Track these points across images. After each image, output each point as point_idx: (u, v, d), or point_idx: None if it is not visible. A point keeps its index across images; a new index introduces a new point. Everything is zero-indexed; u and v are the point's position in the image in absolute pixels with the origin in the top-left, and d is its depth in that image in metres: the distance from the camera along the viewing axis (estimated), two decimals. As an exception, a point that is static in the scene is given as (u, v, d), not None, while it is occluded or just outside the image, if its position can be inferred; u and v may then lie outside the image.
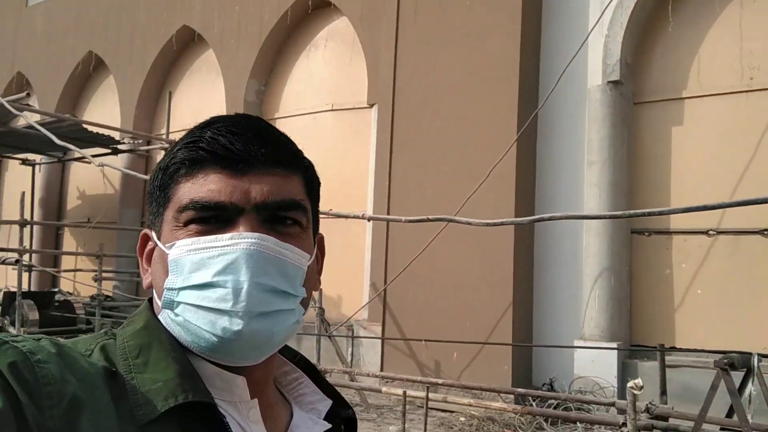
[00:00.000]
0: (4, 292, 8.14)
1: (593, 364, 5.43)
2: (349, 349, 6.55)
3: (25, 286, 9.27)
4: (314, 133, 7.78)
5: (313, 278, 0.78)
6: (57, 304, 8.00)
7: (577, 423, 4.87)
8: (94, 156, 9.47)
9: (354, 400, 5.88)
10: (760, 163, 5.35)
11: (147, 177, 6.39)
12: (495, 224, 4.32)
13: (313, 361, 5.77)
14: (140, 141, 9.24)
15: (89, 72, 10.42)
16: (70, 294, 9.03)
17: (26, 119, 6.54)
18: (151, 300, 0.76)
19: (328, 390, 0.86)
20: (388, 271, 6.37)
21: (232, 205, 0.69)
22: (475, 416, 5.17)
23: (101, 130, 8.47)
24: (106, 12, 9.97)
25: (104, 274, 8.36)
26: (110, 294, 8.86)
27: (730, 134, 5.52)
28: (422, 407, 5.43)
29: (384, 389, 4.83)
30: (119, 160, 9.47)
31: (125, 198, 9.40)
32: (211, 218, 0.70)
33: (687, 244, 5.63)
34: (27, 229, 9.80)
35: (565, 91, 5.95)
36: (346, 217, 4.70)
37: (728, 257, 5.44)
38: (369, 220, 4.23)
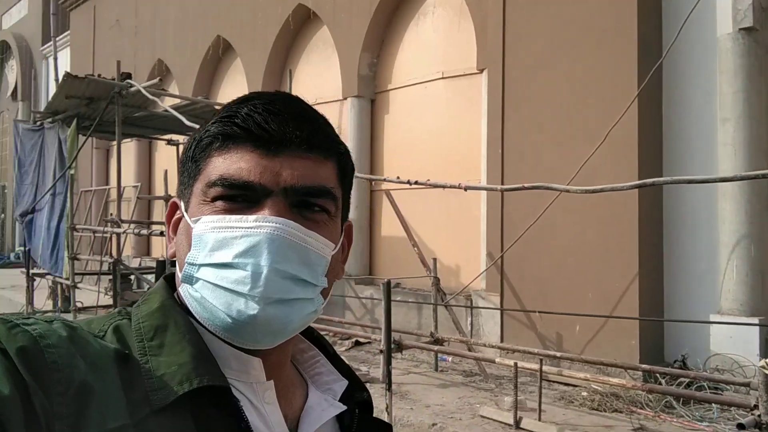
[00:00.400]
0: (157, 261, 9.03)
1: (731, 341, 5.01)
2: (468, 319, 6.55)
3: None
4: (426, 102, 7.73)
5: (336, 268, 0.76)
6: (200, 273, 8.71)
7: (713, 404, 4.54)
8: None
9: (473, 369, 5.91)
10: None
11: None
12: (593, 191, 4.08)
13: (431, 330, 5.88)
14: (266, 119, 9.71)
15: (219, 55, 11.06)
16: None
17: (161, 103, 7.08)
18: (166, 278, 0.76)
19: (344, 370, 0.86)
20: (505, 240, 6.26)
21: (261, 186, 0.68)
22: (598, 392, 4.99)
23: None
24: (230, -4, 10.46)
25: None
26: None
27: None
28: (546, 379, 5.36)
29: (497, 360, 4.80)
30: (249, 138, 10.04)
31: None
32: (239, 197, 0.69)
33: None
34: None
35: (690, 42, 5.41)
36: (443, 187, 4.65)
37: None
38: (465, 189, 4.16)
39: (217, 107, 8.74)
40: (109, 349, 0.64)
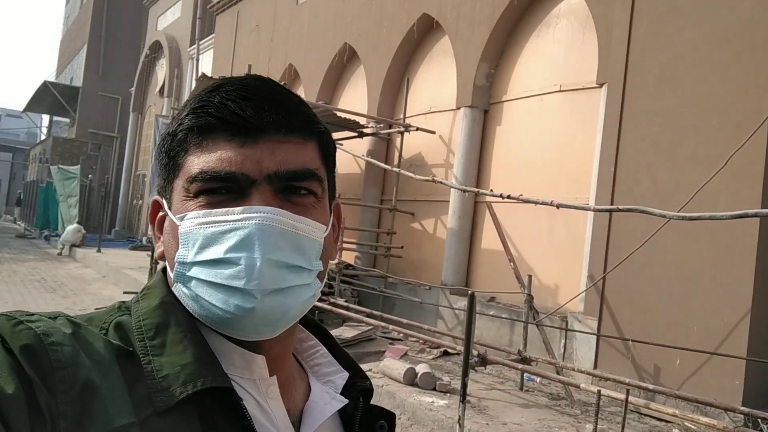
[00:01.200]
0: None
1: None
2: (562, 341, 6.31)
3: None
4: (540, 116, 7.55)
5: (329, 249, 0.75)
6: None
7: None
8: (345, 139, 10.52)
9: (561, 393, 5.68)
10: None
11: (382, 165, 6.90)
12: (690, 218, 3.78)
13: (519, 347, 5.73)
14: (381, 125, 9.96)
15: (344, 62, 11.50)
16: (321, 261, 10.19)
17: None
18: (165, 271, 0.75)
19: (344, 359, 0.85)
20: (608, 263, 5.97)
21: (244, 176, 0.67)
22: (690, 430, 4.62)
23: (349, 116, 9.36)
24: (360, 4, 10.84)
25: (345, 245, 9.26)
26: (351, 263, 9.78)
27: None
28: (636, 411, 5.05)
29: (582, 385, 4.59)
30: (365, 143, 10.35)
31: (368, 178, 10.23)
32: (222, 189, 0.68)
33: None
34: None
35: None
36: (535, 203, 4.51)
37: None
38: (558, 207, 4.02)
39: (336, 113, 9.12)
40: (112, 347, 0.63)
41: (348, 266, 9.41)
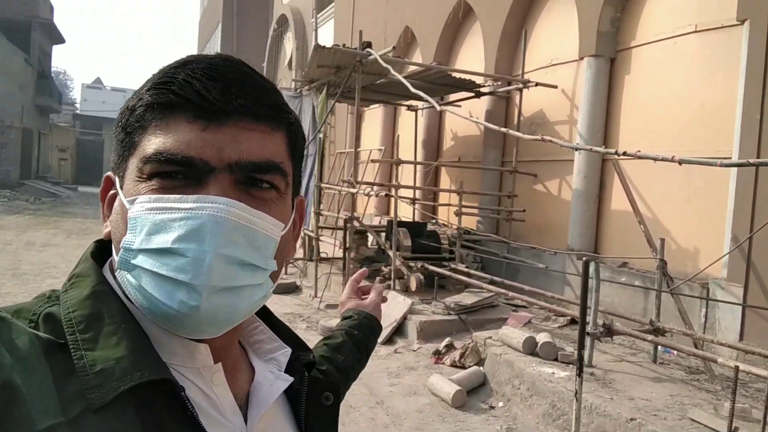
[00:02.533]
0: (388, 221, 9.62)
1: None
2: (702, 311, 5.76)
3: (410, 217, 10.84)
4: (674, 61, 6.79)
5: (287, 247, 0.72)
6: (427, 234, 9.07)
7: None
8: (462, 100, 10.25)
9: (700, 366, 5.22)
10: None
11: (494, 126, 6.64)
12: None
13: (651, 317, 5.31)
14: (499, 83, 9.55)
15: (459, 20, 11.11)
16: (444, 226, 10.13)
17: (392, 70, 7.39)
18: (94, 255, 0.70)
19: (285, 333, 0.82)
20: (755, 222, 5.31)
21: (202, 162, 0.63)
22: None
23: (464, 76, 9.07)
24: (474, -42, 10.37)
25: (465, 210, 9.10)
26: (472, 229, 9.61)
27: None
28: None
29: (720, 360, 4.15)
30: (483, 103, 10.01)
31: (488, 139, 9.91)
32: (178, 173, 0.63)
33: None
34: (410, 167, 11.31)
35: None
36: (654, 159, 4.04)
37: None
38: (680, 163, 3.56)
39: (450, 73, 8.87)
40: (40, 341, 0.59)
41: (467, 231, 9.25)
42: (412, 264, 8.06)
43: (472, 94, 9.80)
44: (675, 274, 5.65)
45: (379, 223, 12.48)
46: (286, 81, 21.76)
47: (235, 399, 0.70)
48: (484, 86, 9.61)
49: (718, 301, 5.54)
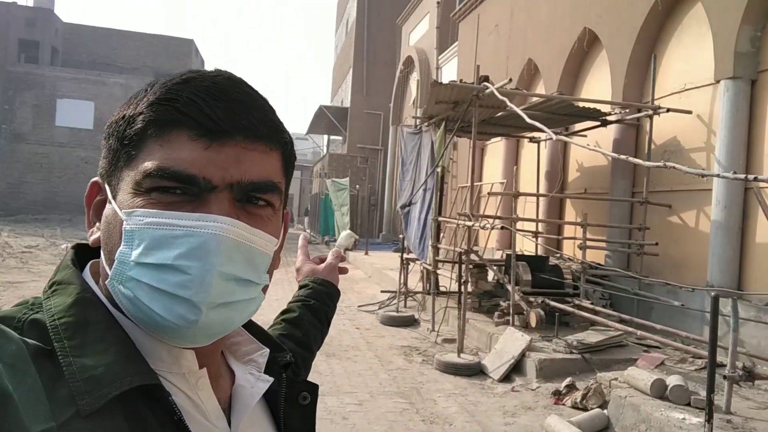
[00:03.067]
0: (507, 254, 9.40)
1: None
2: None
3: (532, 251, 10.52)
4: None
5: (275, 260, 0.73)
6: (549, 268, 8.74)
7: None
8: (587, 129, 9.90)
9: None
10: None
11: (615, 154, 6.34)
12: None
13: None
14: (627, 110, 9.11)
15: (584, 48, 10.80)
16: (569, 260, 9.72)
17: (509, 103, 7.31)
18: (74, 261, 0.70)
19: (262, 335, 0.83)
20: None
21: (205, 181, 0.64)
22: None
23: (589, 104, 8.76)
24: (599, -14, 10.10)
25: (591, 243, 8.67)
26: (598, 264, 9.12)
27: None
28: None
29: None
30: (610, 132, 9.58)
31: (616, 169, 9.45)
32: (178, 189, 0.64)
33: None
34: (533, 200, 11.03)
35: None
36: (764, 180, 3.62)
37: None
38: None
39: (574, 102, 8.62)
40: (28, 347, 0.59)
41: (593, 266, 8.79)
42: (532, 299, 7.79)
43: (598, 123, 9.42)
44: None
45: (501, 257, 12.23)
46: (410, 120, 22.28)
47: (219, 403, 0.72)
48: (611, 114, 9.22)
49: None
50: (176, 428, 0.63)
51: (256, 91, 0.70)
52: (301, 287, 1.30)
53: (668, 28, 8.75)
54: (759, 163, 6.91)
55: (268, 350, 0.80)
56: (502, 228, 8.07)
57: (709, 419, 3.47)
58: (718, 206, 7.18)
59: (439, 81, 8.43)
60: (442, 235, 9.96)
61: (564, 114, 9.09)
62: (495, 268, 8.75)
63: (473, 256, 8.49)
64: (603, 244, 9.26)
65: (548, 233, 10.80)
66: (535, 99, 8.99)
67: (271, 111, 0.70)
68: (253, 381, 0.76)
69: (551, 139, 11.05)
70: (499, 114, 9.28)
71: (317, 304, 1.24)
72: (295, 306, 1.23)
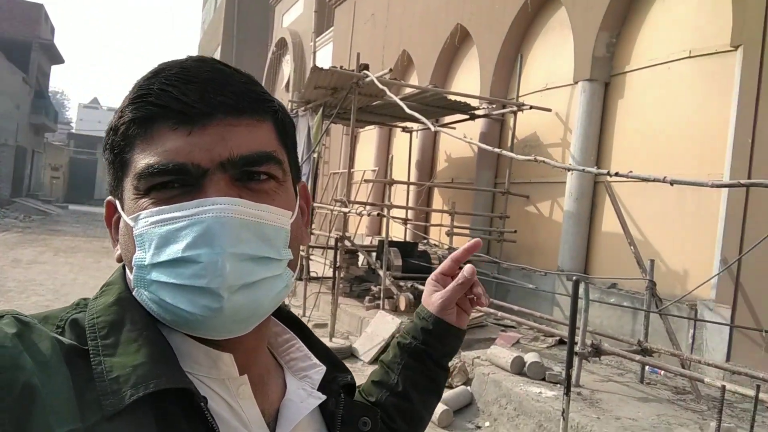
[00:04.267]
0: (379, 240, 9.59)
1: None
2: (690, 332, 5.73)
3: (401, 237, 10.81)
4: (668, 85, 6.87)
5: (300, 235, 0.71)
6: (418, 254, 9.04)
7: None
8: (456, 122, 10.31)
9: (687, 387, 5.17)
10: None
11: (488, 147, 6.72)
12: None
13: (639, 338, 5.27)
14: (494, 106, 9.62)
15: (456, 44, 11.24)
16: (435, 246, 10.10)
17: (388, 92, 7.45)
18: (125, 266, 0.70)
19: (322, 353, 0.81)
20: (745, 245, 5.31)
21: (194, 167, 0.62)
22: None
23: (460, 98, 9.14)
24: (472, -16, 10.53)
25: (456, 230, 9.07)
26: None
27: None
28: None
29: (707, 380, 4.11)
30: (477, 125, 10.07)
31: (481, 161, 9.95)
32: (174, 182, 0.63)
33: None
34: (403, 188, 11.32)
35: None
36: (646, 180, 4.06)
37: None
38: (672, 184, 3.57)
39: (446, 95, 8.94)
40: (63, 346, 0.60)
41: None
42: (402, 284, 8.02)
43: (467, 117, 9.87)
44: (663, 295, 5.63)
45: (371, 243, 12.45)
46: (286, 104, 21.87)
47: (263, 414, 0.69)
48: (479, 109, 9.69)
49: (706, 321, 5.51)
50: None
51: (231, 67, 0.68)
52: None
53: (535, 29, 9.35)
54: (608, 159, 7.61)
55: (324, 368, 0.78)
56: (378, 215, 8.19)
57: (567, 392, 3.77)
58: (570, 197, 7.82)
59: (318, 65, 8.34)
60: (312, 222, 9.92)
61: (436, 106, 9.41)
62: (367, 254, 8.90)
63: (347, 243, 8.57)
64: (467, 231, 9.74)
65: (417, 220, 11.15)
66: (409, 90, 9.21)
67: (252, 83, 0.68)
68: (304, 396, 0.73)
69: (426, 129, 11.41)
70: (376, 103, 9.41)
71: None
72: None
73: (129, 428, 0.56)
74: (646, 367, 5.28)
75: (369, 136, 14.53)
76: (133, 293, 0.66)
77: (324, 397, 0.74)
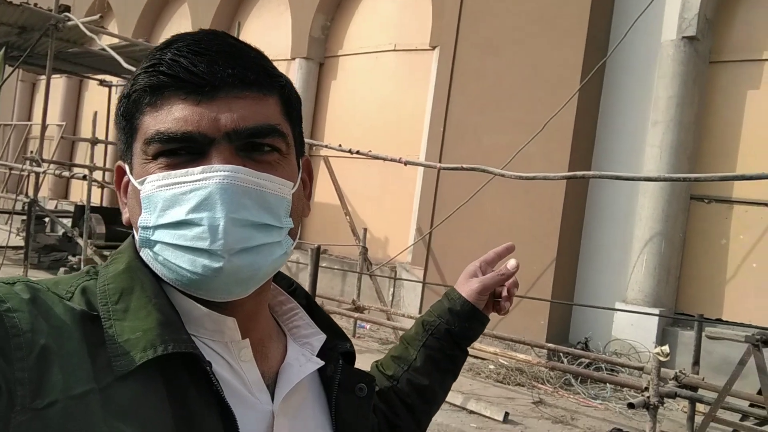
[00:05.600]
0: (76, 205, 8.66)
1: (632, 328, 5.34)
2: (391, 290, 6.68)
3: (97, 202, 9.89)
4: (375, 73, 7.72)
5: (300, 205, 0.74)
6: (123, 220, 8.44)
7: (607, 384, 4.85)
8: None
9: (390, 338, 6.04)
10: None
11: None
12: (527, 177, 4.23)
13: (353, 297, 5.95)
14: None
15: (165, -1, 10.62)
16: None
17: (98, 41, 6.76)
18: (134, 235, 0.72)
19: (325, 322, 0.84)
20: (435, 217, 6.39)
21: (201, 135, 0.65)
22: (504, 366, 5.22)
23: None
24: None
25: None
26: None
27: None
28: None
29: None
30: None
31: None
32: (181, 150, 0.66)
33: (748, 215, 5.35)
34: (101, 148, 10.34)
35: (636, 45, 5.64)
36: (384, 159, 4.69)
37: (791, 233, 5.16)
38: (405, 164, 4.21)
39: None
40: (74, 312, 0.62)
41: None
42: (106, 253, 7.44)
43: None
44: (371, 260, 6.43)
45: (56, 207, 11.10)
46: None
47: (263, 377, 0.72)
48: (191, 71, 9.36)
49: (404, 280, 6.49)
50: (213, 396, 0.64)
51: (241, 42, 0.71)
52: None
53: (251, 1, 9.40)
54: (321, 134, 8.21)
55: (324, 336, 0.81)
56: (84, 178, 7.37)
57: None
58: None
59: (3, -3, 7.06)
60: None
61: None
62: (59, 220, 7.97)
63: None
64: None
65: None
66: (116, 40, 8.43)
67: (260, 57, 0.71)
68: (303, 361, 0.76)
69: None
70: (73, 50, 8.37)
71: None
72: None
73: (139, 388, 0.60)
74: (357, 323, 6.00)
75: (52, 86, 12.76)
76: (140, 253, 0.69)
77: (322, 363, 0.77)
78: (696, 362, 4.17)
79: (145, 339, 0.61)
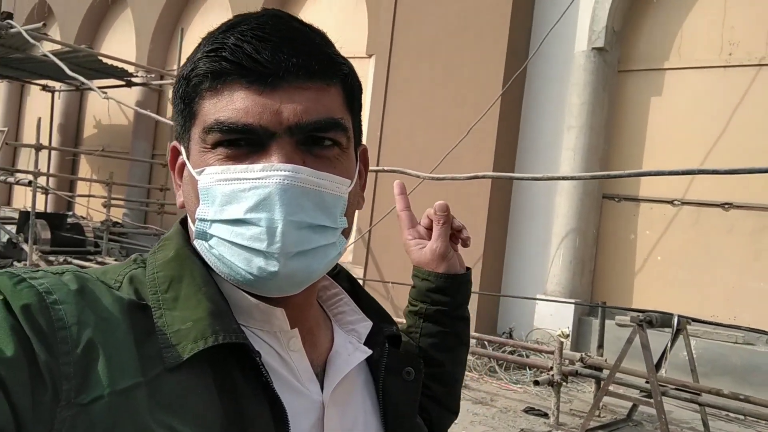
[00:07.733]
0: (21, 211, 8.68)
1: (552, 318, 5.80)
2: (333, 288, 6.98)
3: (41, 208, 9.87)
4: (316, 79, 8.00)
5: (356, 200, 0.73)
6: (68, 226, 8.51)
7: (527, 369, 5.28)
8: (108, 87, 9.85)
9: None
10: (730, 139, 5.52)
11: (149, 113, 6.81)
12: (437, 178, 4.59)
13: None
14: (153, 75, 9.55)
15: (108, 4, 10.65)
16: (83, 218, 9.57)
17: (41, 48, 6.85)
18: (182, 221, 0.72)
19: (369, 306, 0.83)
20: (374, 217, 6.73)
21: (262, 129, 0.63)
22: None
23: (115, 63, 8.80)
24: (126, -56, 10.10)
25: (114, 201, 8.83)
26: (119, 221, 9.36)
27: (705, 108, 5.68)
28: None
29: (351, 324, 5.24)
30: (133, 93, 9.82)
31: (138, 130, 9.79)
32: (241, 140, 0.64)
33: (653, 212, 5.88)
34: (44, 154, 10.31)
35: (553, 54, 6.10)
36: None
37: (689, 227, 5.70)
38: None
39: (101, 58, 8.53)
40: (123, 302, 0.61)
41: (116, 224, 9.01)
42: (52, 258, 7.53)
43: (123, 83, 9.56)
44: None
45: None
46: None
47: (312, 366, 0.71)
48: (136, 76, 9.47)
49: (345, 280, 6.80)
50: (263, 387, 0.63)
51: (307, 25, 0.68)
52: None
53: (195, 4, 9.55)
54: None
55: (371, 323, 0.79)
56: (29, 184, 7.43)
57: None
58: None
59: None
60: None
61: (89, 68, 8.86)
62: (2, 226, 8.00)
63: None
64: (123, 203, 9.52)
65: (60, 189, 10.33)
66: (58, 47, 8.48)
67: (326, 44, 0.68)
68: (351, 350, 0.75)
69: (71, 90, 10.54)
70: (14, 56, 8.39)
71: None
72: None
73: (188, 379, 0.59)
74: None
75: (-7, 91, 12.59)
76: (193, 242, 0.67)
77: (370, 351, 0.75)
78: (600, 345, 4.63)
79: (196, 329, 0.60)
